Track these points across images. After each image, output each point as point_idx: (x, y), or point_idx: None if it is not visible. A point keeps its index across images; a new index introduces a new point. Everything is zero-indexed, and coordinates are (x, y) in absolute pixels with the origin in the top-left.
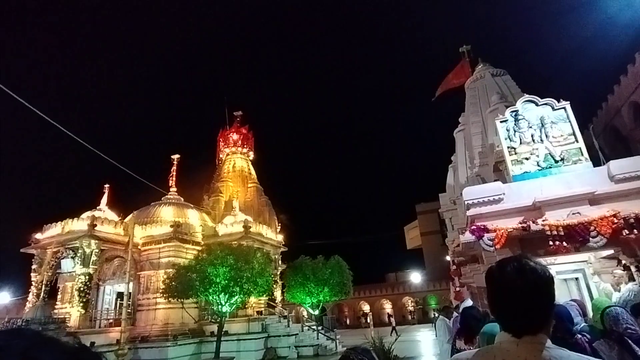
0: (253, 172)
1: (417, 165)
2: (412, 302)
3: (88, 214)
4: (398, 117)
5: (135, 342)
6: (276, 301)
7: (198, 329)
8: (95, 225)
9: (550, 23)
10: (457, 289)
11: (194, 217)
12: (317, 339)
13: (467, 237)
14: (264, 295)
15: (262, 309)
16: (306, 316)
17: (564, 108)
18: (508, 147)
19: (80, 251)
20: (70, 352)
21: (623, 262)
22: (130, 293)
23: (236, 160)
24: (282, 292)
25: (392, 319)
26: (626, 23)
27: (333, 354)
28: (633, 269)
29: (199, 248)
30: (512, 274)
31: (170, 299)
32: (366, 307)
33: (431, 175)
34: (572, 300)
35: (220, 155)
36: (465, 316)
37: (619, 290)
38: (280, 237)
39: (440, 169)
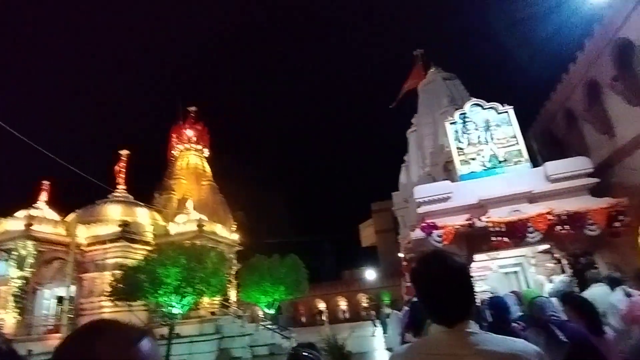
0: (208, 169)
1: (373, 165)
2: (366, 298)
3: (24, 212)
4: (355, 117)
5: None
6: (231, 301)
7: (147, 333)
8: (32, 224)
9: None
10: (408, 284)
11: (143, 216)
12: (273, 338)
13: (418, 233)
14: (218, 296)
15: (216, 309)
16: (261, 315)
17: (507, 112)
18: (456, 148)
19: (15, 253)
20: None
21: (555, 255)
22: (71, 297)
23: (190, 157)
24: (237, 292)
25: (373, 313)
26: (567, 35)
27: (288, 352)
28: (564, 261)
29: (149, 248)
30: (434, 267)
31: (116, 302)
32: (322, 305)
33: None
34: (511, 291)
35: (173, 152)
36: (413, 310)
37: (552, 281)
38: (235, 236)
39: (395, 169)
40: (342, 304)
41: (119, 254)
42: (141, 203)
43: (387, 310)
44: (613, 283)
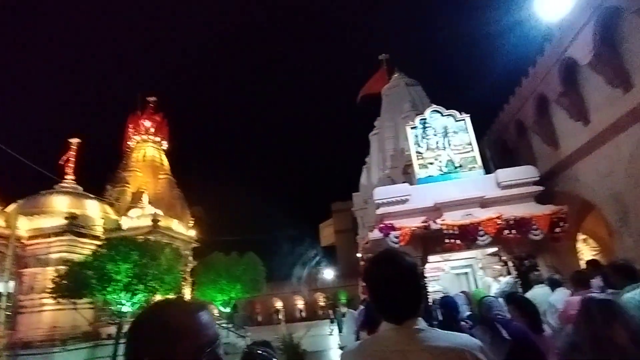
0: (166, 162)
1: (335, 166)
2: (323, 297)
3: None
4: (319, 118)
5: (15, 349)
6: (185, 299)
7: (93, 332)
8: None
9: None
10: (364, 283)
11: (93, 209)
12: (227, 337)
13: (376, 234)
14: (172, 293)
15: None
16: (217, 314)
17: (464, 120)
18: (416, 152)
19: None
20: None
21: (503, 258)
22: (9, 293)
23: (147, 149)
24: (192, 290)
25: (330, 312)
26: (523, 51)
27: (240, 356)
28: (510, 264)
29: (99, 243)
30: (384, 266)
31: (59, 299)
32: (279, 304)
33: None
34: (461, 292)
35: (129, 143)
36: (369, 309)
37: (498, 282)
38: (192, 232)
39: (356, 170)
40: (300, 303)
41: (64, 248)
42: (91, 195)
43: (344, 310)
44: (553, 284)
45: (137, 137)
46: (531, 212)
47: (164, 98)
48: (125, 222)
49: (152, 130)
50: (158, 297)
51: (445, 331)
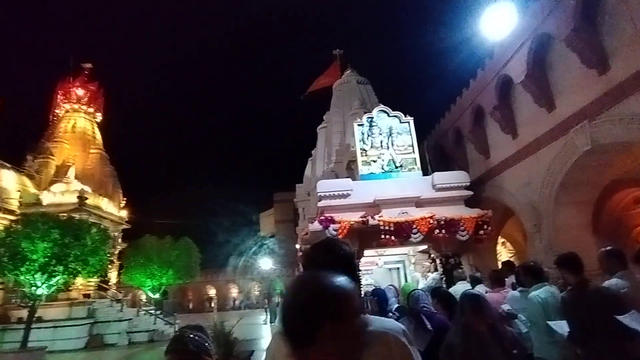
0: (99, 136)
1: (280, 156)
2: (259, 286)
3: None
4: (268, 107)
5: None
6: (110, 283)
7: (1, 315)
8: None
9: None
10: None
11: (9, 180)
12: (155, 324)
13: (316, 226)
14: (95, 277)
15: (92, 291)
16: (144, 300)
17: (408, 122)
18: (360, 149)
19: None
20: None
21: (432, 255)
22: None
23: (78, 119)
24: (119, 274)
25: (265, 301)
26: (468, 63)
27: (170, 339)
28: (437, 261)
29: (13, 218)
30: (322, 252)
31: None
32: (212, 292)
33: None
34: (390, 285)
35: (57, 111)
36: None
37: (426, 278)
38: (123, 213)
39: (301, 162)
40: (234, 291)
41: None
42: (7, 164)
43: (278, 300)
44: (474, 281)
45: (67, 106)
46: (460, 214)
47: (101, 66)
48: (47, 198)
49: (85, 99)
50: (79, 280)
51: (374, 316)
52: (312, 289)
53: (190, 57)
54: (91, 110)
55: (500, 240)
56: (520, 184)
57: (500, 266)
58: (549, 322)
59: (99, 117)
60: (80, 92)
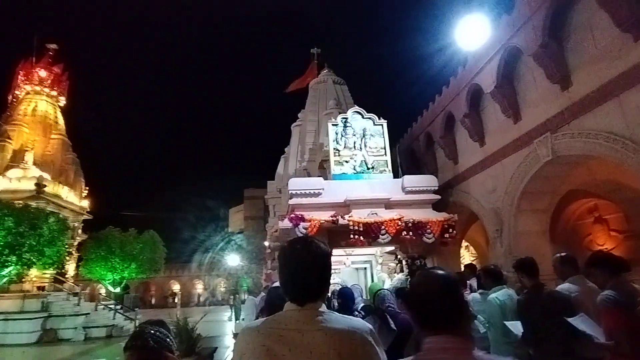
0: (61, 121)
1: (252, 152)
2: (225, 283)
3: None
4: (242, 104)
5: None
6: (67, 276)
7: None
8: None
9: (392, 58)
10: (269, 271)
11: None
12: (114, 319)
13: (286, 223)
14: (52, 269)
15: (47, 284)
16: (104, 294)
17: (382, 125)
18: (334, 149)
19: None
20: None
21: (398, 256)
22: None
23: (39, 102)
24: (77, 266)
25: (231, 298)
26: (442, 71)
27: (130, 335)
28: (404, 262)
29: None
30: (300, 250)
31: None
32: (176, 287)
33: (264, 163)
34: (356, 284)
35: (17, 92)
36: (271, 295)
37: (392, 278)
38: (85, 203)
39: (273, 159)
40: (199, 287)
41: None
42: None
43: (244, 297)
44: None
45: (28, 87)
46: (428, 217)
47: (68, 48)
48: (1, 183)
49: (49, 82)
50: (33, 271)
51: (343, 315)
52: (450, 280)
53: (163, 44)
54: (54, 93)
55: (464, 243)
56: (486, 190)
57: (463, 269)
58: (505, 322)
59: (63, 101)
60: (43, 73)
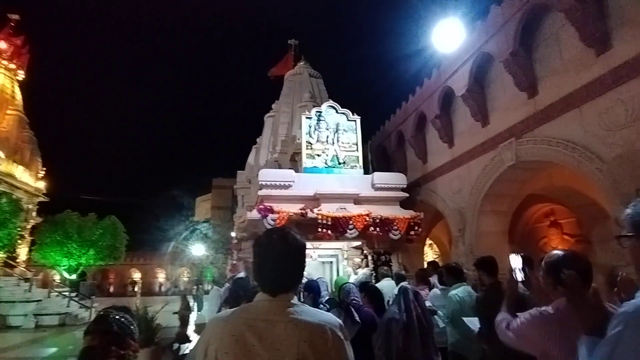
0: (19, 96)
1: (223, 141)
2: (189, 273)
3: None
4: (215, 91)
5: None
6: (18, 260)
7: None
8: None
9: (369, 55)
10: (234, 262)
11: None
12: (68, 306)
13: (254, 214)
14: (2, 252)
15: None
16: (58, 280)
17: (355, 121)
18: (306, 142)
19: None
20: None
21: (364, 251)
22: None
23: None
24: (30, 250)
25: (194, 288)
26: (418, 71)
27: (85, 323)
28: (369, 257)
29: None
30: (276, 240)
31: None
32: (137, 275)
33: (234, 153)
34: (322, 278)
35: None
36: (234, 286)
37: (357, 273)
38: (41, 184)
39: (244, 149)
40: (161, 276)
41: None
42: None
43: (208, 287)
44: (398, 279)
45: None
46: (395, 214)
47: (31, 20)
48: None
49: (8, 54)
50: None
51: (314, 308)
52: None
53: (131, 24)
54: (13, 66)
55: (428, 241)
56: (452, 190)
57: (426, 265)
58: (463, 318)
59: (22, 75)
60: (2, 44)
